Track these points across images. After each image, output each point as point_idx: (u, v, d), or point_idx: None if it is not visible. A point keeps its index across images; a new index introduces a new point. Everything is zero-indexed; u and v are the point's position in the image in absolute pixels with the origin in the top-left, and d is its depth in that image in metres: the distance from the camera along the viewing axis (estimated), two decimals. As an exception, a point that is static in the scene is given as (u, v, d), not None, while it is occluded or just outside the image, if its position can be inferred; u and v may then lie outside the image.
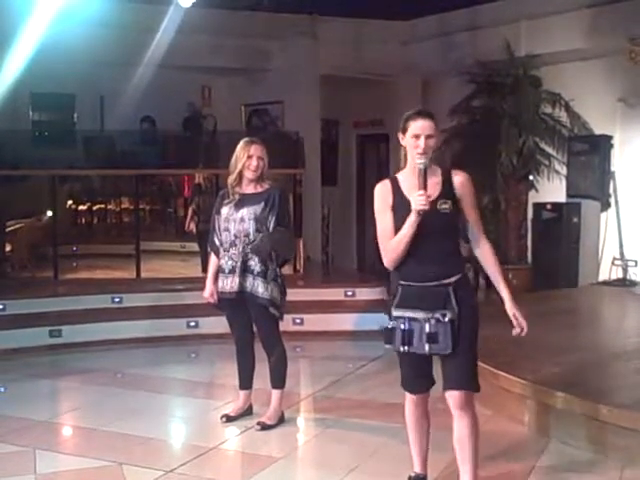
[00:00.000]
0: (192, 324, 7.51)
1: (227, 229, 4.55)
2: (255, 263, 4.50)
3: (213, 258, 4.71)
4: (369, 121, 12.20)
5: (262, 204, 4.52)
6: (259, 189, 4.59)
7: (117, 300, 7.72)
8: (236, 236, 4.52)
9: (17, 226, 8.91)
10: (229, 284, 4.53)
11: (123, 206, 10.99)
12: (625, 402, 4.16)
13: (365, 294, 8.15)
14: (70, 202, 10.96)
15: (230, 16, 9.82)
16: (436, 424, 4.79)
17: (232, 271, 4.52)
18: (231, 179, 4.60)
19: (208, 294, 4.71)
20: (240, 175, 4.56)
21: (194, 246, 9.64)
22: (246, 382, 4.84)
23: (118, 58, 9.21)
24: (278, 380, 4.71)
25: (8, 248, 8.78)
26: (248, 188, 4.59)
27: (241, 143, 4.60)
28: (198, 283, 8.21)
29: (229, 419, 4.77)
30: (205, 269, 9.01)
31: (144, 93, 9.30)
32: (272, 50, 10.43)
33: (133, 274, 8.68)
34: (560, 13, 9.12)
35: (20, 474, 4.01)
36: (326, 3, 9.69)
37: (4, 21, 8.08)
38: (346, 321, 7.76)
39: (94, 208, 11.30)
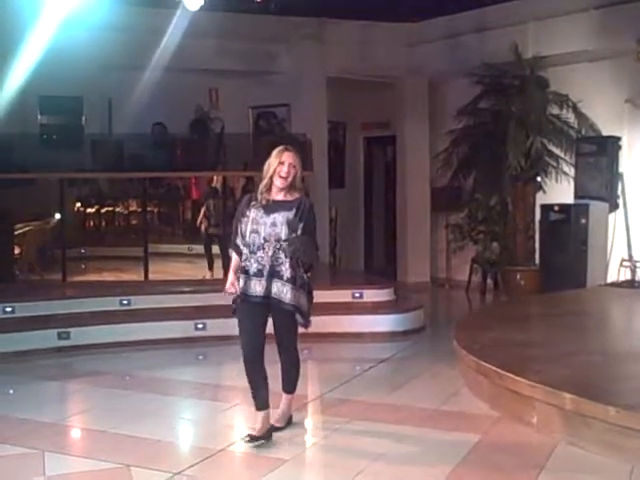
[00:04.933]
0: (200, 326, 7.53)
1: (256, 231, 4.43)
2: (285, 269, 4.37)
3: (235, 258, 4.57)
4: (376, 123, 12.21)
5: (294, 210, 4.43)
6: (289, 197, 4.49)
7: (125, 302, 7.76)
8: (266, 239, 4.39)
9: (26, 229, 8.95)
10: (254, 287, 4.40)
11: (131, 209, 11.03)
12: (634, 403, 4.15)
13: (373, 296, 8.15)
14: (78, 205, 10.99)
15: (237, 19, 9.85)
16: (439, 427, 4.80)
17: (258, 275, 4.39)
18: (262, 185, 4.49)
19: (229, 285, 4.52)
20: (271, 181, 4.47)
21: (201, 248, 9.68)
22: (263, 402, 4.52)
23: (126, 61, 9.27)
24: (292, 385, 4.68)
25: (17, 251, 8.81)
26: (278, 196, 4.49)
27: (275, 150, 4.50)
28: (206, 285, 8.31)
29: (252, 439, 4.43)
30: (210, 269, 9.11)
31: (152, 96, 9.34)
32: (279, 53, 10.47)
33: (141, 276, 8.71)
34: (567, 14, 9.13)
35: (29, 476, 4.02)
36: (333, 5, 9.70)
37: (12, 25, 8.13)
38: (354, 323, 7.76)
39: (102, 211, 11.34)
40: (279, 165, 4.44)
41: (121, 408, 5.33)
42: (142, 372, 6.43)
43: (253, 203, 4.51)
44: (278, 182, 4.46)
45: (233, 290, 4.50)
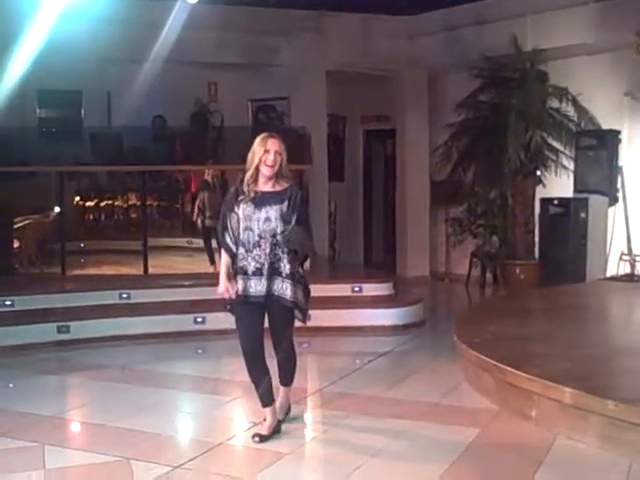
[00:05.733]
0: (199, 320, 7.53)
1: (249, 228, 4.27)
2: (284, 265, 4.25)
3: (225, 256, 4.42)
4: (375, 117, 12.20)
5: (286, 202, 4.27)
6: (277, 188, 4.32)
7: (125, 296, 7.76)
8: (261, 236, 4.24)
9: (25, 222, 8.95)
10: (254, 286, 4.26)
11: (130, 202, 11.03)
12: (632, 397, 4.15)
13: (372, 290, 8.15)
14: (77, 198, 11.00)
15: (236, 12, 9.82)
16: (439, 421, 4.81)
17: (257, 273, 4.25)
18: (247, 175, 4.30)
19: (223, 289, 4.35)
20: (257, 171, 4.30)
21: (200, 242, 9.67)
22: (269, 398, 4.47)
23: (124, 54, 9.25)
24: (289, 378, 4.63)
25: (16, 244, 8.81)
26: (265, 186, 4.32)
27: (258, 138, 4.32)
28: (205, 279, 8.29)
29: (262, 439, 4.39)
30: (212, 263, 9.11)
31: (151, 89, 9.33)
32: (278, 46, 10.44)
33: (141, 270, 8.71)
34: (567, 7, 9.12)
35: (29, 469, 4.03)
36: (332, -2, 9.69)
37: (10, 19, 8.11)
38: (353, 317, 7.76)
39: (101, 204, 11.34)
40: (264, 154, 4.26)
41: (121, 402, 5.34)
42: (141, 366, 6.44)
43: (241, 197, 4.33)
44: (265, 171, 4.27)
45: (227, 296, 4.35)
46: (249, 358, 4.39)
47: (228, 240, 4.37)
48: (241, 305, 4.35)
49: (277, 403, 4.62)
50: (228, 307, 4.46)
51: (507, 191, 10.16)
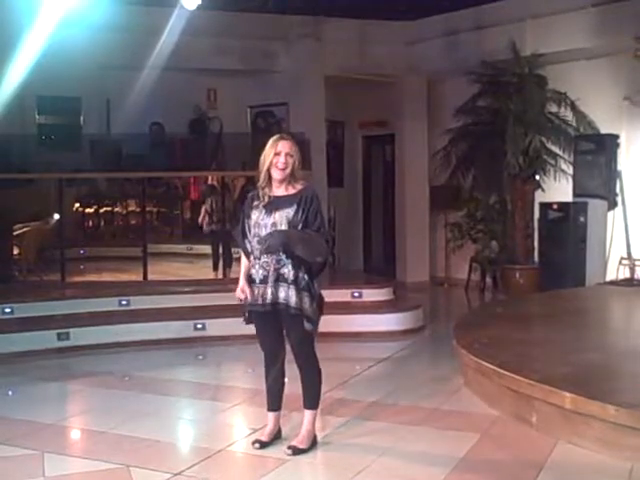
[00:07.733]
0: (199, 326, 7.52)
1: (258, 235, 4.18)
2: (288, 270, 4.12)
3: (244, 259, 4.35)
4: (374, 122, 12.21)
5: (295, 207, 4.15)
6: (291, 190, 4.21)
7: (124, 303, 7.76)
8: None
9: (24, 229, 8.95)
10: (261, 295, 4.18)
11: (130, 209, 11.05)
12: (633, 402, 4.14)
13: (372, 295, 8.17)
14: (77, 205, 11.01)
15: (235, 18, 9.84)
16: (439, 426, 4.81)
17: (264, 281, 4.16)
18: (260, 179, 4.22)
19: (239, 291, 4.28)
20: (269, 175, 4.20)
21: (200, 248, 9.68)
22: (275, 403, 4.44)
23: (123, 61, 9.27)
24: (312, 400, 4.37)
25: (16, 251, 8.81)
26: (279, 190, 4.21)
27: (270, 140, 4.21)
28: (205, 285, 8.31)
29: (262, 445, 4.36)
30: (215, 269, 9.11)
31: (150, 96, 9.34)
32: (277, 52, 10.46)
33: (140, 276, 8.71)
34: (565, 12, 9.12)
35: (29, 477, 4.02)
36: (330, 4, 9.70)
37: (10, 25, 8.12)
38: (353, 322, 7.75)
39: (101, 211, 11.36)
40: (275, 156, 4.15)
41: (121, 408, 5.33)
42: (141, 372, 6.42)
43: (255, 203, 4.24)
44: (276, 174, 4.16)
45: (242, 296, 4.27)
46: (266, 361, 4.39)
47: (247, 244, 4.30)
48: (255, 313, 4.28)
49: (303, 430, 4.36)
50: (245, 316, 4.36)
51: (506, 196, 10.16)
